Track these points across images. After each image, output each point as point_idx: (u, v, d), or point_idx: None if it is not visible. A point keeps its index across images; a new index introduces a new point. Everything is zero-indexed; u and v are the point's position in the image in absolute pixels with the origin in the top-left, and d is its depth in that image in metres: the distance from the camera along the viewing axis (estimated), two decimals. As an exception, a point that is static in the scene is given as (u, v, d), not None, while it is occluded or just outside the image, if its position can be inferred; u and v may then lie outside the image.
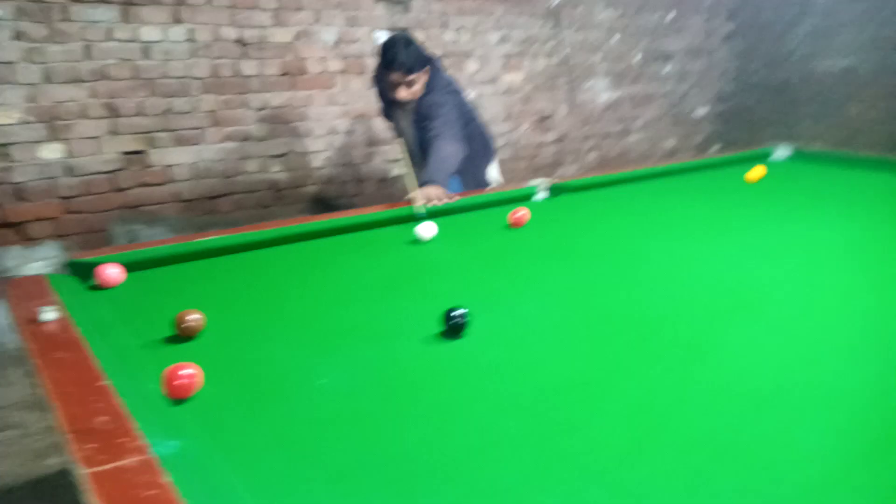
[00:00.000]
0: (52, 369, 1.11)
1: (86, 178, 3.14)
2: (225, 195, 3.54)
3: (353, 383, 1.18)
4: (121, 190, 3.25)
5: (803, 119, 5.23)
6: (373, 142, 4.01)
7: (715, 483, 0.86)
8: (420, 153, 2.73)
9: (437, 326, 1.36)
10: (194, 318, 1.35)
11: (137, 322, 1.46)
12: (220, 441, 1.00)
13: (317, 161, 3.82)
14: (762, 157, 3.19)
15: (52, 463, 2.29)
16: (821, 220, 2.12)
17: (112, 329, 1.38)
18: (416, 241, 2.04)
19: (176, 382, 1.10)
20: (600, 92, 5.00)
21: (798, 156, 3.18)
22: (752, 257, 1.82)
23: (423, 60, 2.59)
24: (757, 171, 2.72)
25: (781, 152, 3.24)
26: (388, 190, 4.08)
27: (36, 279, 1.60)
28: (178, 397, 1.11)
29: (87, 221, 3.18)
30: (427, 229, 2.03)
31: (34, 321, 1.30)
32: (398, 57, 2.52)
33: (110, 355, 1.20)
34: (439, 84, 2.67)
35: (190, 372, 1.12)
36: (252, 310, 1.56)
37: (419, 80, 2.60)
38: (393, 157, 4.03)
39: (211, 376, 1.17)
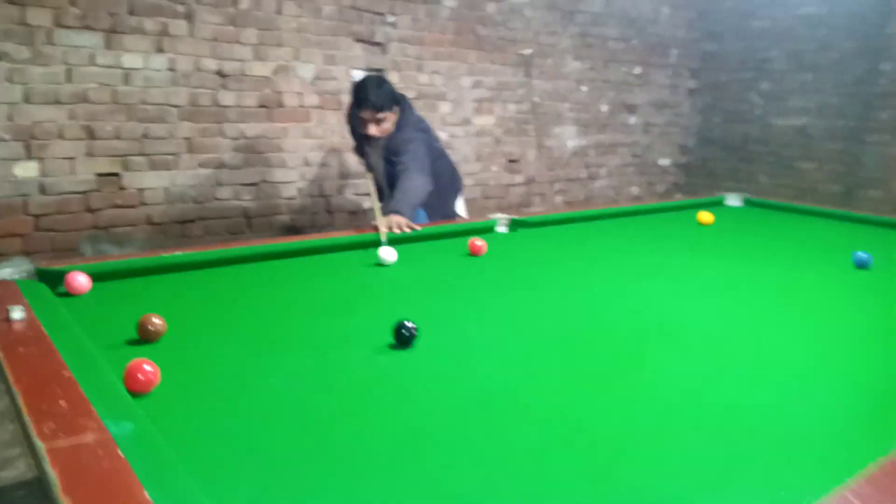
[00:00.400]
0: (15, 360, 1.17)
1: (59, 197, 3.20)
2: (196, 220, 3.61)
3: (303, 385, 1.26)
4: (92, 210, 3.30)
5: (760, 174, 5.49)
6: (345, 174, 4.12)
7: (610, 480, 0.97)
8: (389, 187, 2.85)
9: (388, 338, 1.44)
10: (157, 321, 1.42)
11: (102, 326, 1.51)
12: (171, 430, 1.06)
13: (289, 191, 3.92)
14: (715, 204, 3.40)
15: (6, 475, 2.28)
16: (760, 260, 2.29)
17: (77, 331, 1.43)
18: (380, 265, 2.13)
19: (139, 374, 1.16)
20: (568, 139, 5.20)
21: (748, 203, 3.43)
22: (686, 291, 1.96)
23: (393, 100, 2.73)
24: (705, 216, 2.91)
25: (732, 201, 3.47)
26: (359, 222, 4.18)
27: (5, 283, 1.65)
28: (139, 390, 1.17)
29: (57, 240, 3.22)
30: (389, 254, 2.13)
31: (3, 319, 1.36)
32: (369, 96, 2.66)
33: (74, 353, 1.26)
34: (409, 122, 2.81)
35: (152, 369, 1.19)
36: (213, 321, 1.62)
37: (389, 119, 2.74)
38: (364, 191, 4.14)
39: (169, 376, 1.23)
